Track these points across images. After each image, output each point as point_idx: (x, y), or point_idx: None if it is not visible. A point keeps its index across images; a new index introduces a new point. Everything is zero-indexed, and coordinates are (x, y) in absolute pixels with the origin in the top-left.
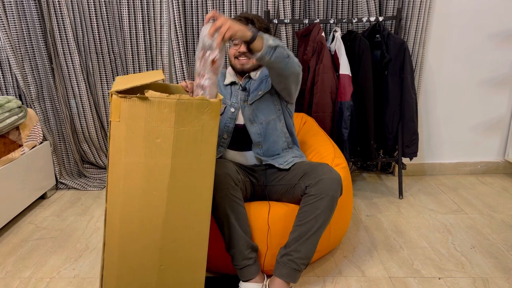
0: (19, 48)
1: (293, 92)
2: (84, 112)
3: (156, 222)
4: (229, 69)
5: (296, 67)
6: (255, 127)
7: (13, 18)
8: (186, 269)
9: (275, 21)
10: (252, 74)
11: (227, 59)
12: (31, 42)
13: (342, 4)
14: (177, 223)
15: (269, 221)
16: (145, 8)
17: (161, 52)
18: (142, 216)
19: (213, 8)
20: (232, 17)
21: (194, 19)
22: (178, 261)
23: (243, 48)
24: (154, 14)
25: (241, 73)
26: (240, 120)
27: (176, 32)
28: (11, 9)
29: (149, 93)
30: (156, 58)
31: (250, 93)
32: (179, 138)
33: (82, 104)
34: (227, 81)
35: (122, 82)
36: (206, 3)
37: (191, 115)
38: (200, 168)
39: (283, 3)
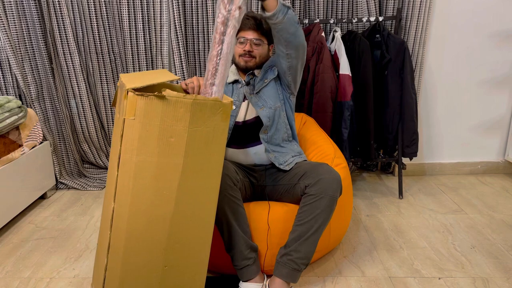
0: (19, 48)
1: (298, 73)
2: (84, 112)
3: (163, 222)
4: (232, 67)
5: (304, 38)
6: (265, 111)
7: (13, 18)
8: (188, 270)
9: None
10: (256, 72)
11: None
12: (31, 42)
13: (342, 4)
14: (184, 224)
15: (269, 221)
16: (145, 8)
17: (161, 52)
18: (150, 216)
19: (213, 8)
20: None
21: (194, 19)
22: (181, 262)
23: (248, 47)
24: (154, 14)
25: (244, 70)
26: (240, 118)
27: (176, 32)
28: (11, 9)
29: (167, 92)
30: (156, 58)
31: (255, 86)
32: (192, 138)
33: (82, 104)
34: (230, 79)
35: (131, 80)
36: (206, 3)
37: (205, 115)
38: (209, 169)
39: None
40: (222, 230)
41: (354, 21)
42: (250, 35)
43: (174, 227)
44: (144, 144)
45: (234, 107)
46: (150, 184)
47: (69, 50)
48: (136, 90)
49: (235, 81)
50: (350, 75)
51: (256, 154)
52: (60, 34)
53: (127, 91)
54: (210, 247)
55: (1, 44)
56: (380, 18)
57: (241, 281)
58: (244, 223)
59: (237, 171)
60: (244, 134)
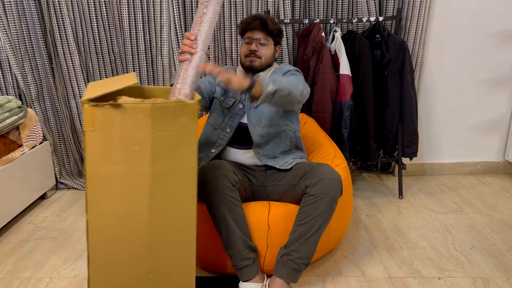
0: (19, 48)
1: (297, 108)
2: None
3: (140, 230)
4: (239, 67)
5: (299, 98)
6: (257, 129)
7: (13, 18)
8: (175, 275)
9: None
10: (262, 74)
11: (238, 57)
12: (31, 42)
13: (342, 4)
14: (162, 229)
15: (269, 221)
16: (145, 8)
17: (161, 52)
18: (125, 225)
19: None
20: (242, 18)
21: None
22: (166, 268)
23: (254, 47)
24: (154, 14)
25: (250, 70)
26: (246, 119)
27: (176, 32)
28: (11, 9)
29: (122, 99)
30: (156, 58)
31: None
32: (157, 143)
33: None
34: None
35: (94, 88)
36: None
37: (168, 119)
38: (182, 172)
39: (283, 3)
40: (220, 231)
41: (354, 21)
42: (256, 35)
43: (153, 234)
44: (108, 154)
45: (241, 106)
46: (120, 194)
47: (69, 50)
48: (92, 100)
49: None
50: (350, 75)
51: (251, 151)
52: (60, 34)
53: (83, 103)
54: (195, 249)
55: (1, 44)
56: (380, 18)
57: (240, 281)
58: (243, 223)
59: (236, 171)
60: (247, 135)
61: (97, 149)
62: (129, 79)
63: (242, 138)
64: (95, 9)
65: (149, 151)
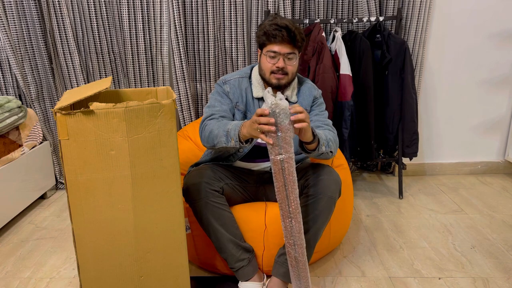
0: (19, 48)
1: None
2: None
3: (127, 235)
4: (259, 80)
5: (334, 156)
6: None
7: (13, 18)
8: (168, 276)
9: None
10: (288, 93)
11: (258, 69)
12: (31, 42)
13: (342, 4)
14: (149, 232)
15: (268, 222)
16: (145, 8)
17: (161, 52)
18: (111, 232)
19: (213, 9)
20: (268, 21)
21: (194, 19)
22: (158, 270)
23: (280, 63)
24: (154, 14)
25: (276, 87)
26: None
27: (176, 32)
28: (11, 9)
29: (94, 105)
30: (156, 58)
31: None
32: (135, 146)
33: None
34: (257, 93)
35: (68, 96)
36: (206, 3)
37: (144, 120)
38: (164, 173)
39: (283, 3)
40: (210, 236)
41: (354, 21)
42: (283, 49)
43: (140, 237)
44: (85, 162)
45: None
46: (102, 200)
47: (69, 50)
48: (64, 108)
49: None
50: (351, 75)
51: (261, 164)
52: (60, 34)
53: (55, 112)
54: (186, 250)
55: (1, 44)
56: (381, 18)
57: (240, 281)
58: (232, 226)
59: (222, 176)
60: (263, 153)
61: (74, 158)
62: (102, 85)
63: (255, 154)
64: (95, 9)
65: (127, 155)
